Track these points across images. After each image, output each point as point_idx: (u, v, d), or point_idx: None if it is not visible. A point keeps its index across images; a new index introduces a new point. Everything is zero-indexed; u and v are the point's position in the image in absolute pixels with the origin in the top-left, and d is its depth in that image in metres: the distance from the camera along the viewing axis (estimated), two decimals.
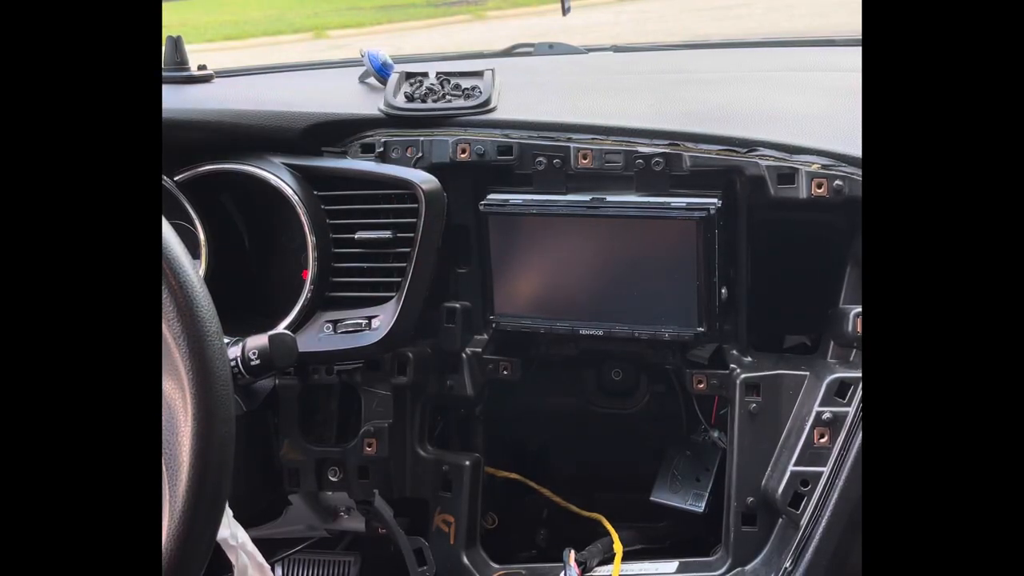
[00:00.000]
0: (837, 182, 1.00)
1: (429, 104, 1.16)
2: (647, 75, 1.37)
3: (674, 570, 1.11)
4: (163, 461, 0.68)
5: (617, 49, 1.58)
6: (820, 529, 1.00)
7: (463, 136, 1.12)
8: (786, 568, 1.02)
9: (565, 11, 1.52)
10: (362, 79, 1.30)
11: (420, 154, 1.13)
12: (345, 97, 1.25)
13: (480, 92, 1.16)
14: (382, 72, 1.25)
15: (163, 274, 0.69)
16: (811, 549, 1.00)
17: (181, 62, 1.33)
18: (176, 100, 1.22)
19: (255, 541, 0.97)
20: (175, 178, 1.14)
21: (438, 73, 1.20)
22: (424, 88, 1.18)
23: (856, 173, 1.00)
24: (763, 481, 1.05)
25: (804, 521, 1.01)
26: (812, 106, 1.13)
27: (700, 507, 1.19)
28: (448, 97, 1.17)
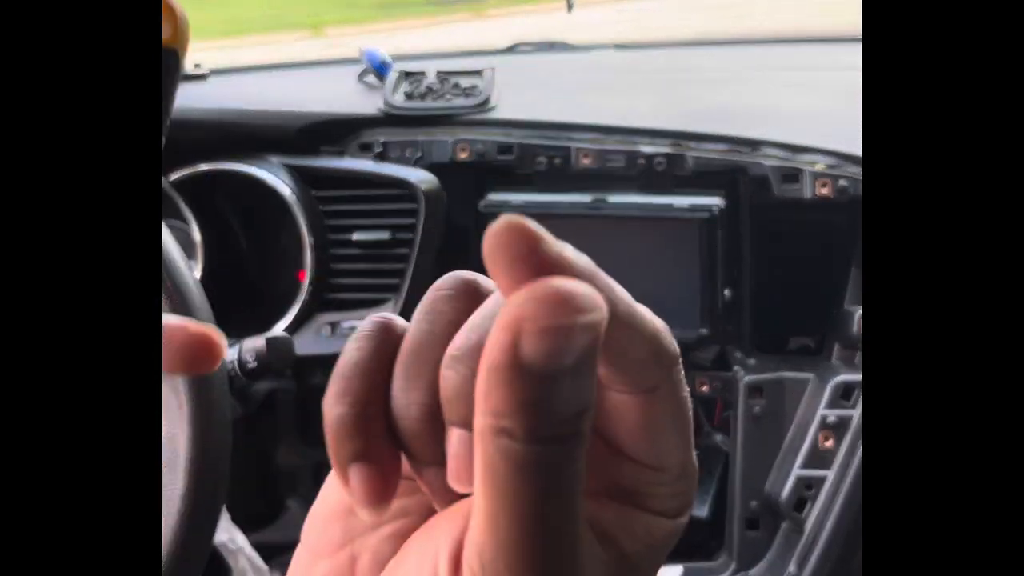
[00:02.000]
0: (842, 182, 0.99)
1: (428, 103, 1.15)
2: (649, 73, 1.36)
3: (677, 575, 1.10)
4: None
5: (619, 47, 1.57)
6: (825, 533, 0.99)
7: (463, 135, 1.11)
8: (791, 573, 1.01)
9: (570, 8, 1.51)
10: (361, 78, 1.29)
11: (419, 154, 1.12)
12: (343, 96, 1.24)
13: (480, 91, 1.15)
14: (381, 70, 1.24)
15: None
16: (816, 553, 0.99)
17: None
18: None
19: (251, 545, 0.97)
20: (170, 179, 1.14)
21: (437, 72, 1.19)
22: (423, 87, 1.17)
23: (860, 173, 0.99)
24: (767, 485, 1.04)
25: (809, 525, 1.00)
26: (817, 105, 1.12)
27: (703, 511, 1.18)
28: (448, 96, 1.16)
